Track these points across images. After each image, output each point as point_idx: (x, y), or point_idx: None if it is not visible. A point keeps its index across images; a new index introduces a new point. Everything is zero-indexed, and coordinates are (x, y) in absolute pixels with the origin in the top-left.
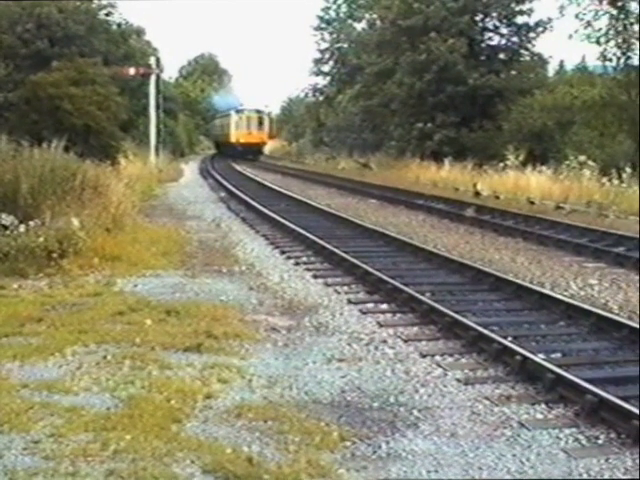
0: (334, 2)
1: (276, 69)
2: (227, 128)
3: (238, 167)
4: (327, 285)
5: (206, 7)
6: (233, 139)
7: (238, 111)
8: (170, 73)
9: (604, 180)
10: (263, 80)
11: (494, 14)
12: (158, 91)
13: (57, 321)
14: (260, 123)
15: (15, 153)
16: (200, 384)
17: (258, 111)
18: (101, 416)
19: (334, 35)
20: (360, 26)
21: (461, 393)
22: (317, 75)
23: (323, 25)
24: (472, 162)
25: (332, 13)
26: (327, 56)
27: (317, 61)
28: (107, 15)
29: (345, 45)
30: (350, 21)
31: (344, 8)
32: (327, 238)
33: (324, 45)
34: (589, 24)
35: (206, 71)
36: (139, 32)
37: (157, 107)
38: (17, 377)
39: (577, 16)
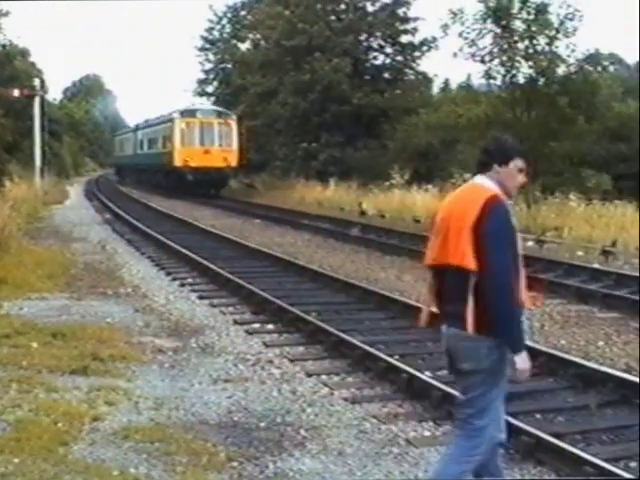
0: (218, 22)
1: (161, 90)
2: (163, 144)
3: (123, 189)
4: (213, 306)
5: (91, 28)
6: (178, 161)
7: (186, 113)
8: (55, 95)
9: None
10: (148, 101)
11: (378, 33)
12: (43, 113)
13: None
14: (225, 132)
15: None
16: (87, 406)
17: (221, 113)
18: None
19: (218, 55)
20: (244, 46)
21: (348, 412)
22: (201, 96)
23: (207, 45)
24: (357, 181)
25: (216, 33)
26: (211, 76)
27: (201, 82)
28: None
29: (229, 65)
30: (234, 41)
31: (228, 28)
32: (212, 259)
33: (208, 66)
34: (473, 42)
35: (90, 92)
36: (24, 53)
37: (42, 129)
38: None
39: (461, 35)
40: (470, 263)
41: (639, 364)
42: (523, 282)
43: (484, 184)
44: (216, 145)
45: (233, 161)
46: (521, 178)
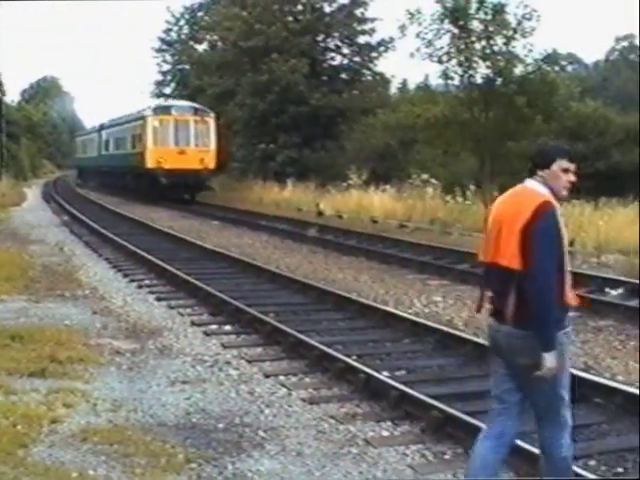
0: (176, 24)
1: (118, 92)
2: (133, 144)
3: (81, 191)
4: (171, 307)
5: (48, 29)
6: (150, 163)
7: (159, 110)
8: (12, 96)
9: (447, 198)
10: (105, 102)
11: (336, 34)
12: (0, 115)
13: None
14: (202, 131)
15: None
16: (45, 409)
17: (198, 109)
18: None
19: (176, 57)
20: (202, 47)
21: (306, 412)
22: (159, 97)
23: (165, 47)
24: (315, 182)
25: (174, 35)
26: (169, 78)
27: (159, 83)
28: None
29: (187, 67)
30: (192, 42)
31: (186, 29)
32: (170, 260)
33: (166, 67)
34: (430, 43)
35: (48, 94)
36: None
37: None
38: None
39: (418, 35)
40: (517, 264)
41: None
42: (569, 282)
43: (535, 188)
44: (192, 145)
45: (211, 163)
46: (568, 177)
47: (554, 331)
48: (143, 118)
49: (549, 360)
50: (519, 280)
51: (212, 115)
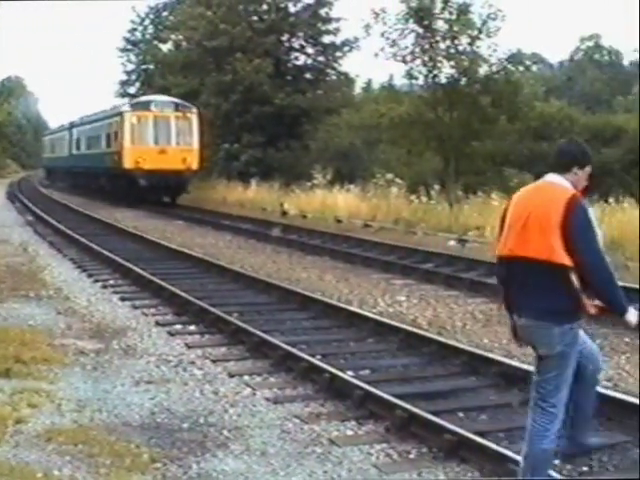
0: (140, 23)
1: (83, 92)
2: (107, 142)
3: (45, 190)
4: (135, 307)
5: (12, 29)
6: (128, 163)
7: (137, 105)
8: None
9: (412, 197)
10: (70, 103)
11: (300, 34)
12: None
13: None
14: (184, 128)
15: None
16: (10, 409)
17: (179, 105)
18: None
19: (140, 57)
20: (166, 47)
21: (271, 412)
22: (123, 97)
23: (129, 47)
24: (279, 182)
25: (138, 34)
26: (133, 77)
27: (123, 83)
28: None
29: (151, 66)
30: (156, 42)
31: (150, 29)
32: (134, 260)
33: (130, 67)
34: (395, 43)
35: (12, 94)
36: None
37: None
38: None
39: (383, 35)
40: (561, 258)
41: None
42: None
43: (561, 183)
44: (173, 144)
45: (194, 162)
46: (584, 183)
47: (624, 299)
48: (120, 114)
49: (633, 316)
50: (568, 274)
51: (195, 111)
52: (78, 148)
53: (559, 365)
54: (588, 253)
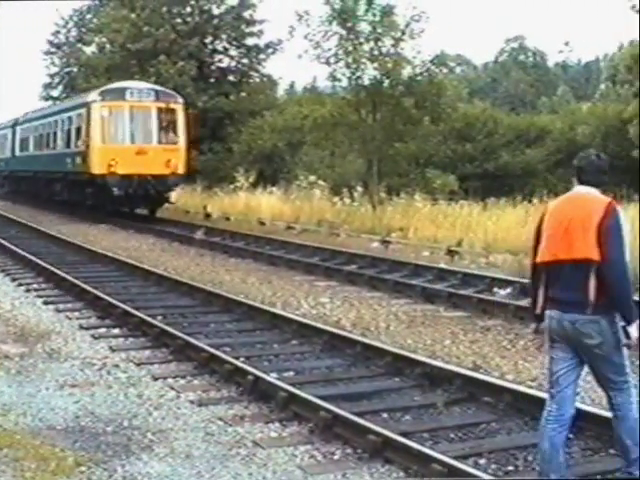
0: (64, 26)
1: (5, 95)
2: (67, 141)
3: None
4: (59, 311)
5: None
6: (98, 167)
7: (109, 94)
8: None
9: (335, 199)
10: None
11: (224, 36)
12: None
13: None
14: (167, 123)
15: None
16: None
17: (160, 93)
18: None
19: (64, 59)
20: (90, 50)
21: (195, 414)
22: (47, 100)
23: (53, 49)
24: (202, 184)
25: (62, 37)
26: (57, 80)
27: (46, 86)
28: None
29: (75, 69)
30: (80, 45)
31: (74, 32)
32: (58, 264)
33: (54, 69)
34: (318, 44)
35: None
36: None
37: None
38: None
39: (306, 37)
40: (594, 255)
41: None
42: None
43: (595, 193)
44: (155, 142)
45: (180, 165)
46: None
47: (635, 307)
48: (85, 105)
49: (635, 330)
50: (598, 269)
51: (180, 101)
52: (24, 149)
53: (614, 348)
54: (613, 249)
